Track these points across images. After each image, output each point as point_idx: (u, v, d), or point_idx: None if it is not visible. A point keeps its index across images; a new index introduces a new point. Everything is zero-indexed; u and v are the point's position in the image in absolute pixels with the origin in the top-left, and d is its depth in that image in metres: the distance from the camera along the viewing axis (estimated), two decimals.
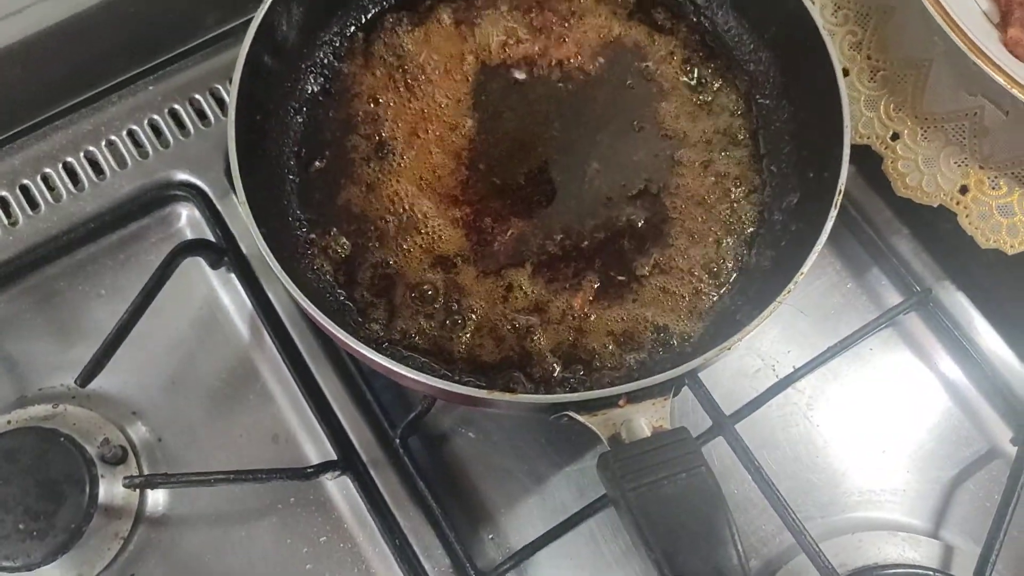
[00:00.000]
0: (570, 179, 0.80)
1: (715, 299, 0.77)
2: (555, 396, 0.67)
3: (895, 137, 0.85)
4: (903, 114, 0.85)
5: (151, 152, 0.89)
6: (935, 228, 0.86)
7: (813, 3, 0.87)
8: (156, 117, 0.90)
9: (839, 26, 0.88)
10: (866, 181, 0.90)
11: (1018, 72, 0.77)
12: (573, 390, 0.72)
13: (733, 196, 0.80)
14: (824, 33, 0.76)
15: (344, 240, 0.78)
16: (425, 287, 0.76)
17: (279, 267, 0.67)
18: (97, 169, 0.88)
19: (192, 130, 0.90)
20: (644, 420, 0.64)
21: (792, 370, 0.83)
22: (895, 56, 0.86)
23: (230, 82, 0.87)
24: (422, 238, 0.78)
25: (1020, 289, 0.84)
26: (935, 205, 0.83)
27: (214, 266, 0.86)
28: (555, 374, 0.74)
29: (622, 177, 0.81)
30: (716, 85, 0.84)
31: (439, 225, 0.78)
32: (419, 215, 0.78)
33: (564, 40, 0.86)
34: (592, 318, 0.76)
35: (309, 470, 0.77)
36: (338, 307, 0.76)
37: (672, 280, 0.77)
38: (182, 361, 0.84)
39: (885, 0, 0.87)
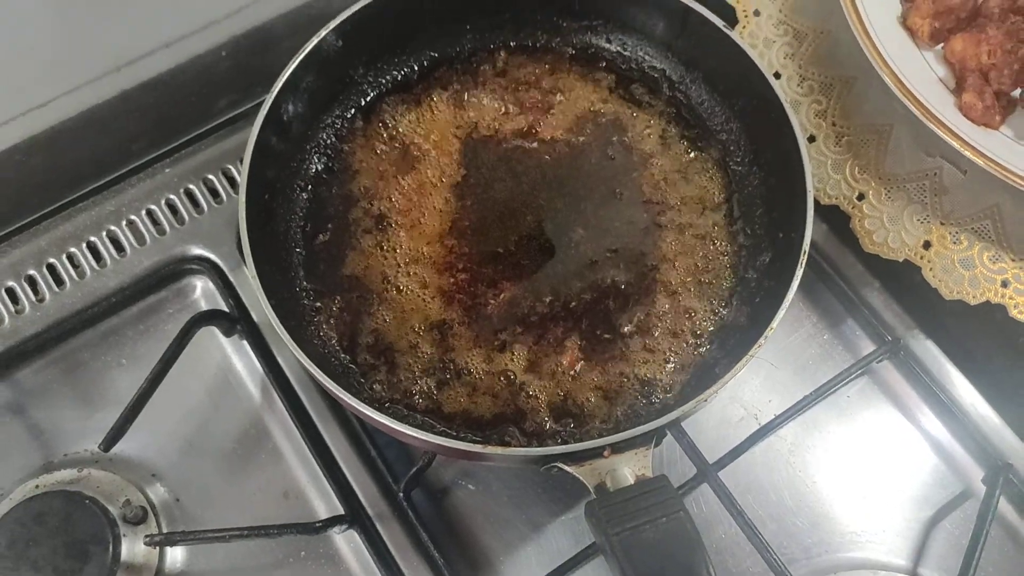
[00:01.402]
0: (557, 245, 0.86)
1: (695, 354, 0.82)
2: (544, 449, 0.72)
3: (861, 197, 0.90)
4: (867, 176, 0.91)
5: (168, 229, 0.96)
6: (904, 281, 0.91)
7: (778, 77, 0.95)
8: (172, 197, 0.97)
9: (805, 96, 0.94)
10: (837, 238, 0.95)
11: (971, 135, 0.82)
12: (564, 442, 0.77)
13: (710, 257, 0.86)
14: (787, 106, 0.82)
15: (347, 307, 0.83)
16: (423, 349, 0.82)
17: (288, 336, 0.73)
18: (118, 247, 0.95)
19: (206, 207, 0.97)
20: (628, 469, 0.69)
21: (773, 418, 0.87)
22: (858, 122, 0.92)
23: (241, 162, 0.94)
24: (420, 303, 0.83)
25: (986, 336, 0.89)
26: (901, 260, 0.88)
27: (227, 334, 0.92)
28: (547, 428, 0.79)
29: (605, 241, 0.86)
30: (692, 154, 0.91)
31: (435, 291, 0.84)
32: (416, 282, 0.84)
33: (549, 115, 0.92)
34: (580, 374, 0.81)
35: (318, 525, 0.82)
36: (342, 370, 0.81)
37: (654, 337, 0.82)
38: (198, 425, 0.90)
39: (846, 71, 0.93)
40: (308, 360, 0.73)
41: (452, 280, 0.84)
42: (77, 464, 0.87)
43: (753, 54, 0.85)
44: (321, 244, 0.86)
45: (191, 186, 0.98)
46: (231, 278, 0.94)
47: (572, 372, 0.81)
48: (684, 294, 0.84)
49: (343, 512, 0.84)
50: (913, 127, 0.85)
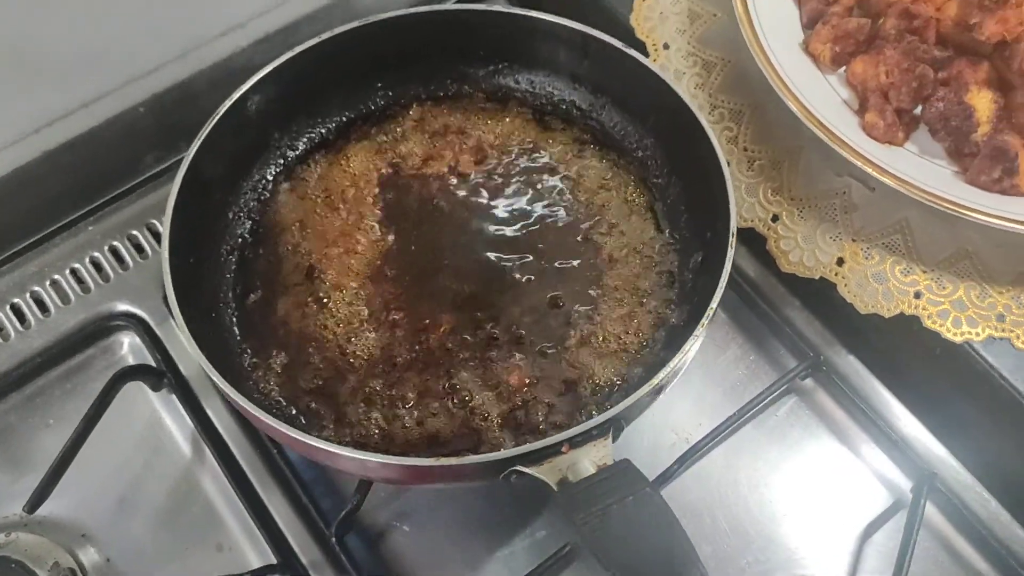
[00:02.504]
0: (492, 273, 0.88)
1: (641, 357, 0.84)
2: (502, 453, 0.70)
3: (775, 219, 0.92)
4: (780, 197, 0.93)
5: (92, 287, 0.95)
6: (824, 298, 0.92)
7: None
8: (97, 254, 0.97)
9: (716, 123, 0.97)
10: (757, 260, 0.96)
11: (876, 154, 0.85)
12: None
13: (644, 263, 0.88)
14: (692, 106, 0.85)
15: (286, 360, 0.83)
16: (369, 390, 0.82)
17: (241, 398, 0.71)
18: (42, 307, 0.94)
19: (131, 263, 0.97)
20: (588, 461, 0.69)
21: (700, 439, 0.88)
22: (768, 147, 0.94)
23: (163, 221, 0.94)
24: (361, 347, 0.84)
25: (905, 348, 0.90)
26: (817, 277, 0.90)
27: (155, 388, 0.91)
28: (505, 447, 0.79)
29: (538, 263, 0.88)
30: (612, 172, 0.94)
31: (375, 333, 0.84)
32: (355, 327, 0.85)
33: (469, 156, 0.94)
34: (531, 391, 0.82)
35: None
36: (287, 421, 0.79)
37: (600, 347, 0.84)
38: (128, 482, 0.89)
39: (755, 98, 0.96)
40: (257, 409, 0.71)
41: (390, 320, 0.85)
42: (5, 528, 0.85)
43: (654, 65, 0.88)
44: (254, 303, 0.87)
45: (115, 243, 0.98)
46: (158, 332, 0.93)
47: (522, 390, 0.82)
48: (623, 302, 0.86)
49: (274, 561, 0.83)
50: (821, 149, 0.87)
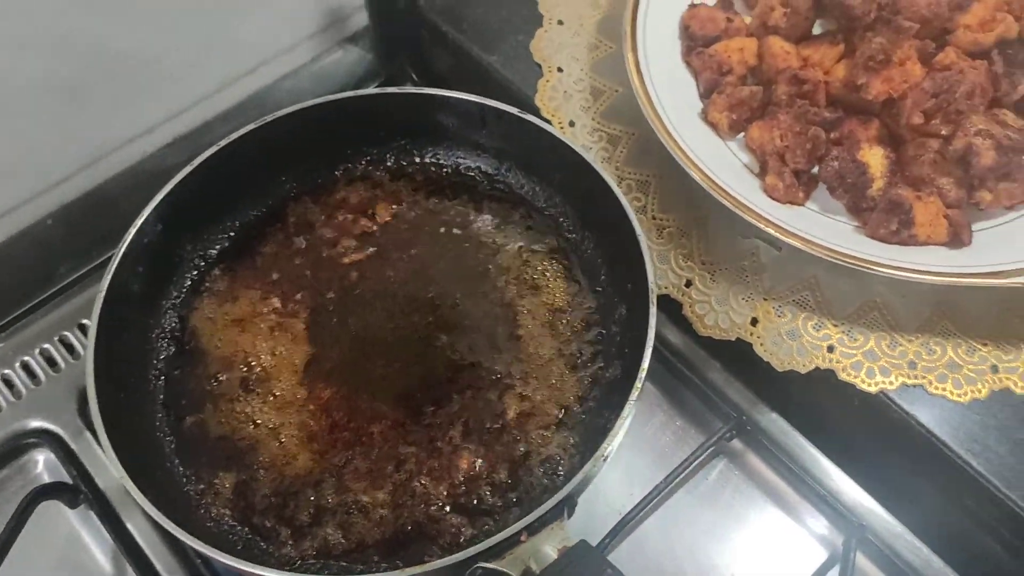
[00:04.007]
0: (424, 357, 0.88)
1: (583, 417, 0.85)
2: (460, 554, 0.70)
3: (688, 284, 0.94)
4: (691, 263, 0.94)
5: (3, 405, 0.93)
6: (744, 359, 0.93)
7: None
8: (7, 371, 0.95)
9: (624, 195, 0.98)
10: (675, 326, 0.97)
11: (776, 215, 0.87)
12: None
13: (570, 323, 0.90)
14: (593, 163, 0.88)
15: (234, 480, 0.82)
16: (323, 497, 0.81)
17: (180, 530, 0.70)
18: None
19: (43, 378, 0.95)
20: (549, 547, 0.70)
21: (631, 508, 0.88)
22: (676, 214, 0.96)
23: (79, 328, 0.93)
24: (307, 454, 0.83)
25: (826, 401, 0.91)
26: (734, 339, 0.91)
27: (72, 506, 0.88)
28: (464, 534, 0.79)
29: (468, 339, 0.89)
30: (527, 235, 0.96)
31: (319, 439, 0.84)
32: (298, 436, 0.84)
33: (384, 237, 0.96)
34: (481, 472, 0.82)
35: None
36: (244, 544, 0.79)
37: (540, 414, 0.85)
38: None
39: (659, 168, 0.98)
40: (205, 546, 0.70)
41: (331, 422, 0.85)
42: None
43: (550, 127, 0.91)
44: (191, 426, 0.85)
45: (27, 358, 0.95)
46: (73, 446, 0.91)
47: (472, 473, 0.82)
48: (555, 366, 0.88)
49: None
50: (726, 214, 0.89)
